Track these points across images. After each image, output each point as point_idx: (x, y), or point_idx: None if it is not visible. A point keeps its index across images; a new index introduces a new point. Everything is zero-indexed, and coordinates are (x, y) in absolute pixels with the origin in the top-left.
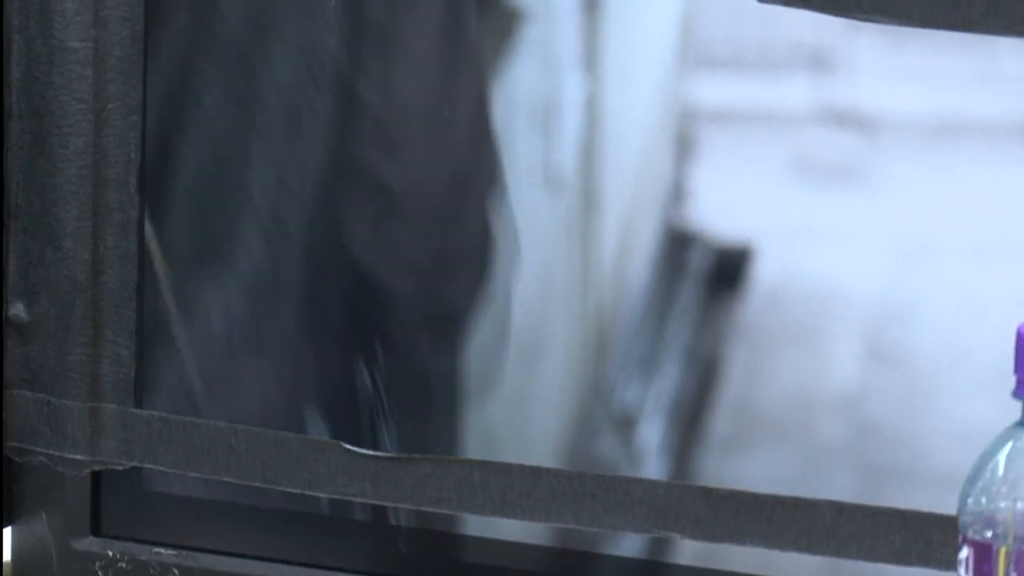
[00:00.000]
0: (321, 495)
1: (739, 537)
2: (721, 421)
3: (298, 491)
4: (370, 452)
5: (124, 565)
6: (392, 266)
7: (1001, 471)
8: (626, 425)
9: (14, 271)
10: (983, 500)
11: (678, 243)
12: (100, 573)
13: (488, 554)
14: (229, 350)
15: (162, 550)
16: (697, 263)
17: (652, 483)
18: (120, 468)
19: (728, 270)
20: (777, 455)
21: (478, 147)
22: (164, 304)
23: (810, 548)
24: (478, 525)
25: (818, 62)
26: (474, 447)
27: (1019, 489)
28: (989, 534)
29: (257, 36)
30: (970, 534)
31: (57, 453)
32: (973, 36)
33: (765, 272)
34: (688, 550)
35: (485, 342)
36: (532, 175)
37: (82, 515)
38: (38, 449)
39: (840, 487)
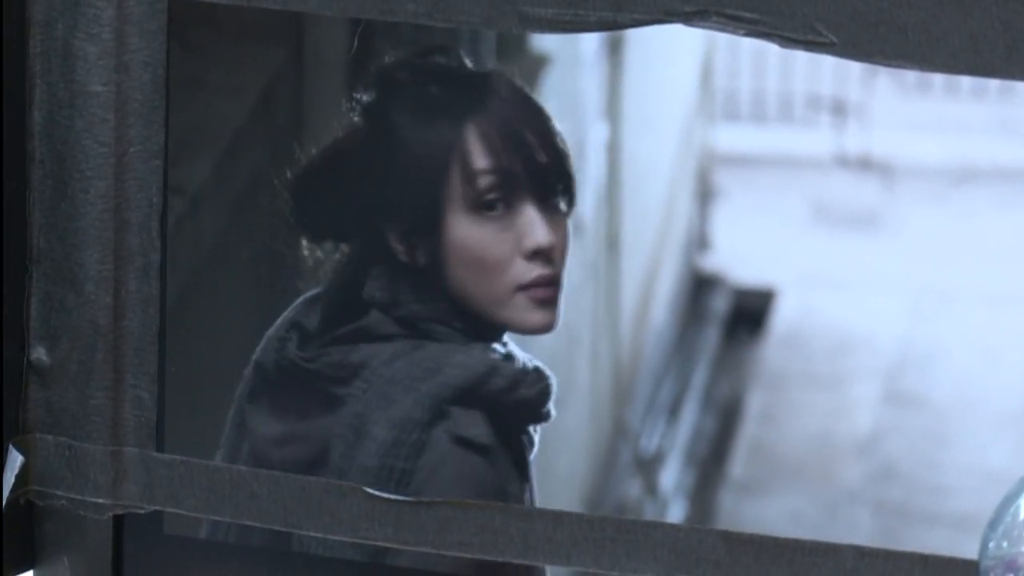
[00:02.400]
0: (343, 539)
1: None
2: (741, 463)
3: (320, 535)
4: (392, 496)
5: None
6: None
7: (1022, 515)
8: (648, 467)
9: (36, 315)
10: (1004, 544)
11: (699, 287)
12: None
13: None
14: None
15: None
16: (718, 307)
17: (673, 527)
18: (141, 511)
19: (749, 314)
20: (796, 497)
21: None
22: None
23: None
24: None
25: (838, 111)
26: None
27: None
28: None
29: None
30: None
31: (79, 497)
32: (992, 83)
33: (785, 316)
34: None
35: None
36: None
37: (103, 558)
38: (60, 493)
39: (859, 529)
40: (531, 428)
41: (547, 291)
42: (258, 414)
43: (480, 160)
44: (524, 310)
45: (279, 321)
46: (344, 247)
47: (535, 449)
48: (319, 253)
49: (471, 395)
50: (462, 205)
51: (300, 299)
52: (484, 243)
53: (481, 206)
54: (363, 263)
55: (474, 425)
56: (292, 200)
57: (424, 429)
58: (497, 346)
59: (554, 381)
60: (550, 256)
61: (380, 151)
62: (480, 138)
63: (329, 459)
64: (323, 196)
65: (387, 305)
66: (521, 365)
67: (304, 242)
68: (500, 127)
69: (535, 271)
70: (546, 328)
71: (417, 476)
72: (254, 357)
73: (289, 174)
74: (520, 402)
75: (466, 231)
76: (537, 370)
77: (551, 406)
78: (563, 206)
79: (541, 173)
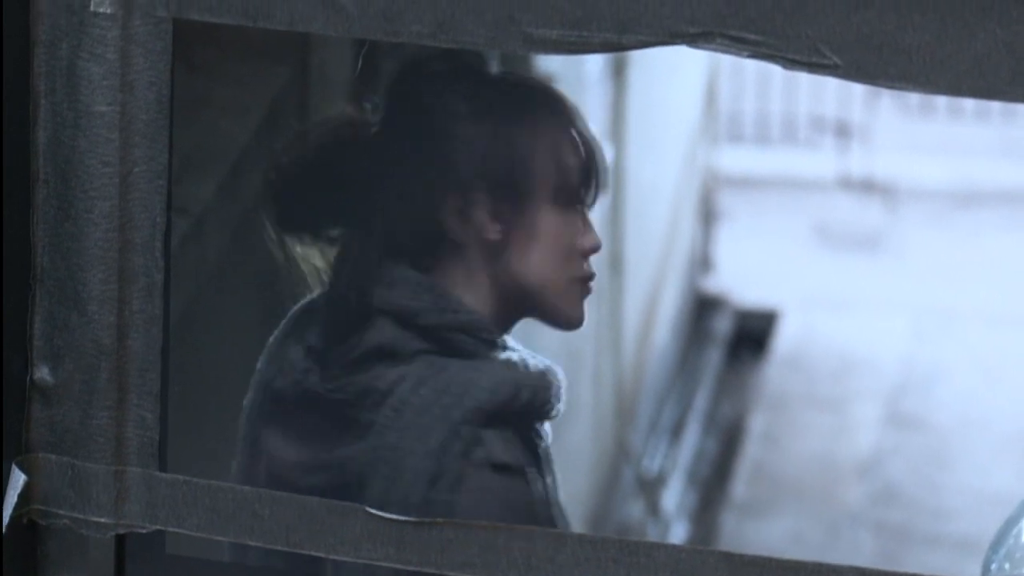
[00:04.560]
0: (345, 559)
1: None
2: (743, 484)
3: (322, 555)
4: (394, 516)
5: None
6: None
7: None
8: (651, 488)
9: (39, 335)
10: (1007, 566)
11: (702, 309)
12: None
13: None
14: None
15: None
16: (720, 328)
17: (675, 548)
18: (144, 531)
19: (751, 335)
20: (798, 518)
21: None
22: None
23: None
24: None
25: (841, 133)
26: None
27: None
28: None
29: None
30: None
31: (81, 516)
32: (995, 105)
33: (787, 338)
34: None
35: None
36: None
37: None
38: (62, 512)
39: (860, 550)
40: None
41: (590, 288)
42: (276, 439)
43: (573, 158)
44: (575, 302)
45: (281, 338)
46: (340, 251)
47: (550, 436)
48: (316, 261)
49: (501, 416)
50: (553, 195)
51: (295, 311)
52: (564, 233)
53: (572, 199)
54: (368, 266)
55: (510, 449)
56: (275, 195)
57: (461, 458)
58: (511, 353)
59: (562, 377)
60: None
61: (431, 137)
62: (572, 138)
63: (364, 491)
64: (321, 191)
65: (409, 313)
66: (534, 370)
67: (285, 241)
68: (581, 131)
69: (589, 268)
70: (581, 323)
71: (459, 508)
72: (265, 380)
73: (273, 172)
74: (538, 407)
75: (553, 219)
76: (548, 371)
77: (560, 405)
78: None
79: (601, 178)
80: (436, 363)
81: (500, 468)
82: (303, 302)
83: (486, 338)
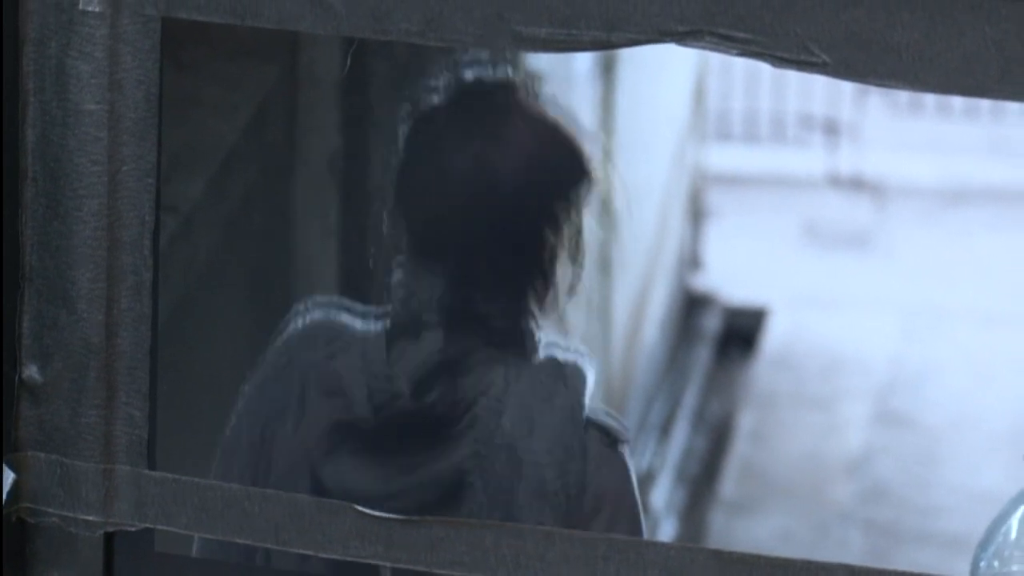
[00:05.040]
0: (334, 557)
1: None
2: (732, 482)
3: (311, 553)
4: (383, 514)
5: None
6: None
7: (1014, 535)
8: (640, 485)
9: (28, 333)
10: (995, 564)
11: (691, 307)
12: None
13: None
14: None
15: None
16: (709, 327)
17: (664, 546)
18: (133, 529)
19: (740, 334)
20: (787, 516)
21: None
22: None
23: None
24: None
25: (830, 131)
26: None
27: None
28: None
29: None
30: None
31: (70, 514)
32: (984, 103)
33: (776, 336)
34: None
35: None
36: None
37: None
38: (51, 510)
39: (849, 548)
40: None
41: None
42: (343, 471)
43: None
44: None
45: (318, 369)
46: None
47: None
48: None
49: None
50: None
51: (312, 335)
52: None
53: None
54: (416, 274)
55: (614, 422)
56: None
57: (582, 436)
58: (554, 347)
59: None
60: None
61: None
62: None
63: (466, 499)
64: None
65: (471, 317)
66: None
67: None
68: None
69: None
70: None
71: (591, 488)
72: (325, 415)
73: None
74: None
75: None
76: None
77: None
78: None
79: None
80: (510, 358)
81: (616, 444)
82: (314, 323)
83: (536, 334)
